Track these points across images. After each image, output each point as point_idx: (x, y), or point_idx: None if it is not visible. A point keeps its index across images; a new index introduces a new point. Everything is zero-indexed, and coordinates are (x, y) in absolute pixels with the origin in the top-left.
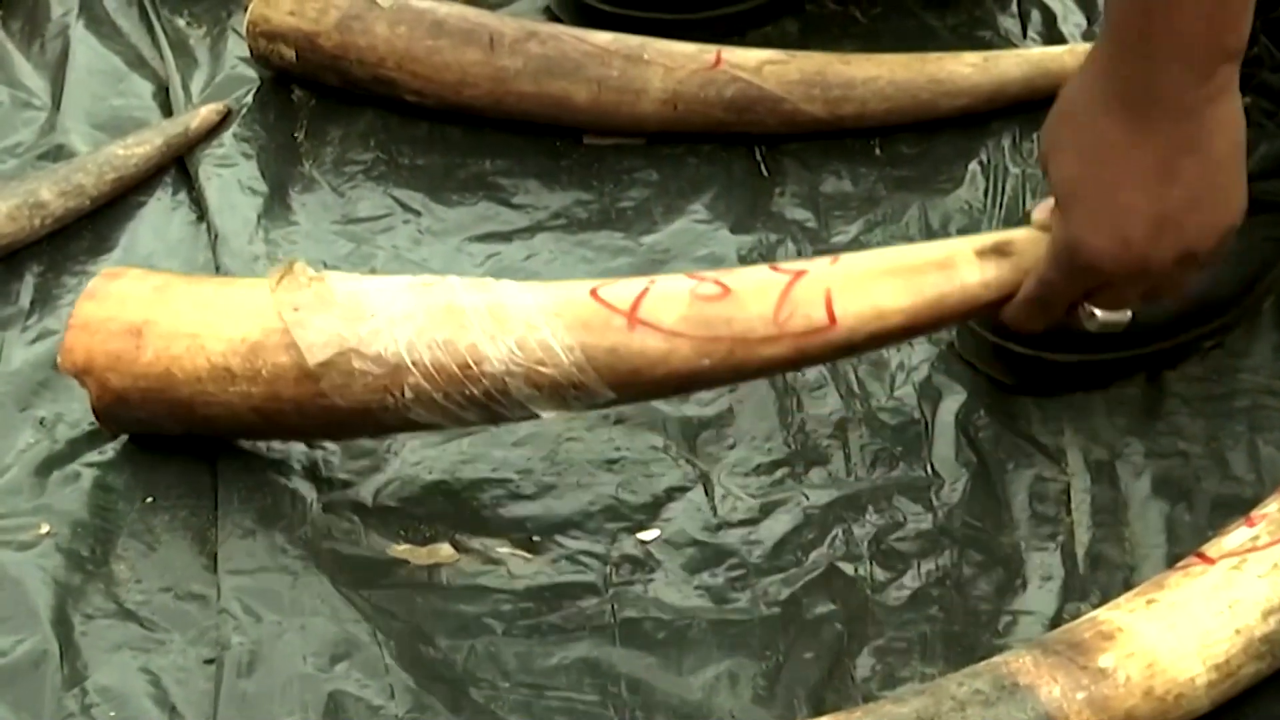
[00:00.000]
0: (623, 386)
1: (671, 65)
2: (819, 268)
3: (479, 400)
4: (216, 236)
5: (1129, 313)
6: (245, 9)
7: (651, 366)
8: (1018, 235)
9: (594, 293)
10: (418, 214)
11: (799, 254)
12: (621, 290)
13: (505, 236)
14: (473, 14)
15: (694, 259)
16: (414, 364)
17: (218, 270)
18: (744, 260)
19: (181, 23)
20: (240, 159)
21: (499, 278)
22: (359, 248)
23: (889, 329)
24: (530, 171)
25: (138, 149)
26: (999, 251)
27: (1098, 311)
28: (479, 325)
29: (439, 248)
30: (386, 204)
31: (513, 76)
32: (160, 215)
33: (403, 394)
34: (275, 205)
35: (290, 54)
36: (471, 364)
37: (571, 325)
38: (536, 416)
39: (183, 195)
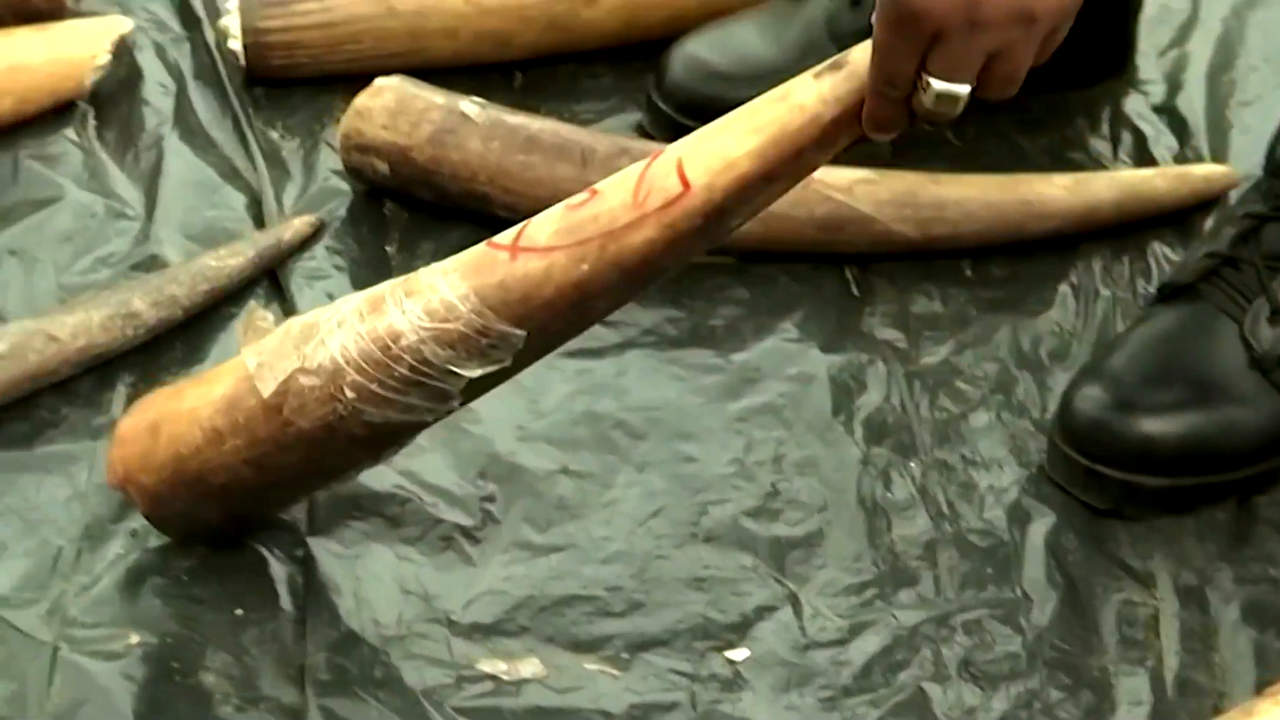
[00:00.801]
0: (522, 319)
1: None
2: (676, 143)
3: (409, 379)
4: None
5: (966, 87)
6: (339, 122)
7: (538, 288)
8: (854, 48)
9: (489, 241)
10: None
11: (889, 375)
12: (512, 229)
13: (596, 353)
14: (565, 130)
15: (784, 378)
16: (346, 362)
17: None
18: (835, 382)
19: (275, 135)
20: (332, 271)
21: (590, 395)
22: None
23: (744, 176)
24: None
25: (230, 260)
26: (834, 66)
27: (934, 81)
28: (393, 305)
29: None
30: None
31: None
32: None
33: (345, 395)
34: None
35: (383, 168)
36: (390, 343)
37: (465, 274)
38: (469, 383)
39: (275, 307)
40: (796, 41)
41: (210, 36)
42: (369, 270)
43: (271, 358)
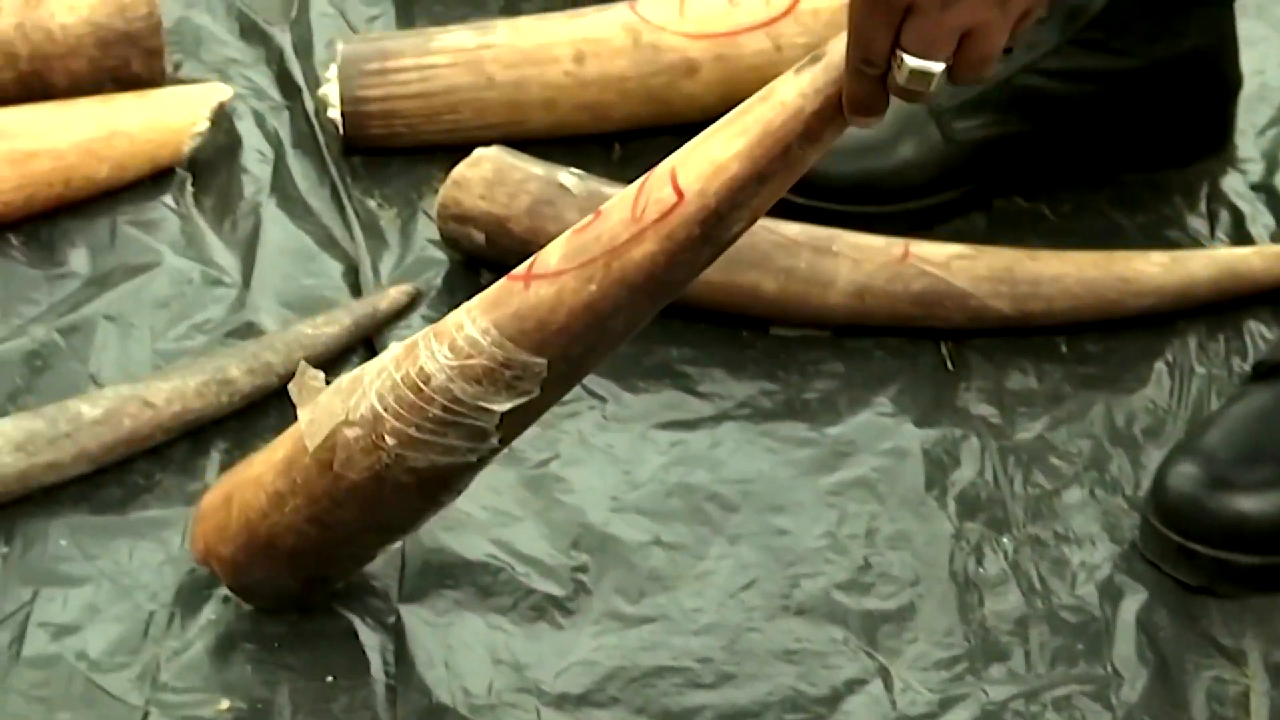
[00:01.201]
0: (540, 346)
1: (860, 258)
2: (672, 154)
3: (444, 419)
4: None
5: (940, 64)
6: (436, 192)
7: (551, 313)
8: (831, 40)
9: (508, 274)
10: (603, 400)
11: (983, 450)
12: (528, 260)
13: (690, 425)
14: None
15: (878, 452)
16: (385, 410)
17: None
18: (929, 456)
19: (373, 204)
20: None
21: (684, 466)
22: (544, 432)
23: (734, 179)
24: (716, 360)
25: (326, 329)
26: (813, 59)
27: (908, 57)
28: (423, 348)
29: (624, 434)
30: (573, 389)
31: None
32: None
33: (386, 442)
34: None
35: (480, 238)
36: (421, 385)
37: (485, 309)
38: (502, 418)
39: None
40: (894, 116)
41: (309, 105)
42: None
43: (320, 414)
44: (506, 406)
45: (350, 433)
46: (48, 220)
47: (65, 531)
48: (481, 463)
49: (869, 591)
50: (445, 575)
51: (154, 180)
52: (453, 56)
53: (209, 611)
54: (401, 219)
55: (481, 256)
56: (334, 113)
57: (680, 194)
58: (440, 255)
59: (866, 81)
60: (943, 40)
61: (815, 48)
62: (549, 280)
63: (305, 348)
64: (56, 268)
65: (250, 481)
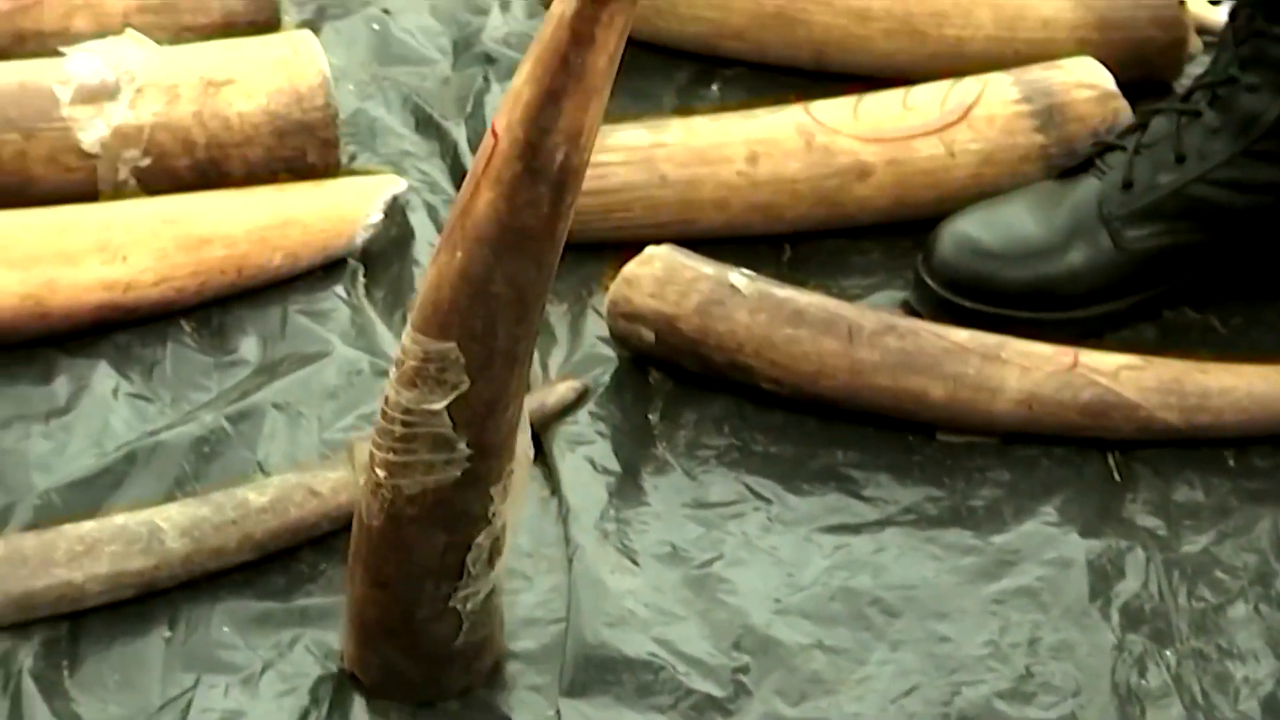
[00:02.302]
0: (442, 330)
1: (1028, 365)
2: None
3: (406, 435)
4: (568, 512)
5: None
6: (606, 288)
7: (437, 292)
8: None
9: None
10: (769, 501)
11: (1148, 561)
12: None
13: (854, 529)
14: (832, 304)
15: (1042, 561)
16: (373, 445)
17: (567, 545)
18: (1093, 567)
19: None
20: (595, 437)
21: (847, 570)
22: (709, 532)
23: (529, 104)
24: (882, 465)
25: None
26: None
27: None
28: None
29: (788, 536)
30: (738, 490)
31: (870, 369)
32: None
33: (380, 476)
34: (627, 485)
35: (649, 336)
36: (384, 408)
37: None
38: (452, 418)
39: (537, 471)
40: (1066, 222)
41: None
42: (631, 438)
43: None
44: (444, 403)
45: (362, 479)
46: (220, 307)
47: (228, 618)
48: (473, 480)
49: (1030, 701)
50: (606, 671)
51: (326, 270)
52: (626, 154)
53: (369, 705)
54: (571, 315)
55: (650, 354)
56: None
57: (495, 136)
58: (609, 352)
59: None
60: None
61: (989, 155)
62: (433, 263)
63: None
64: (227, 354)
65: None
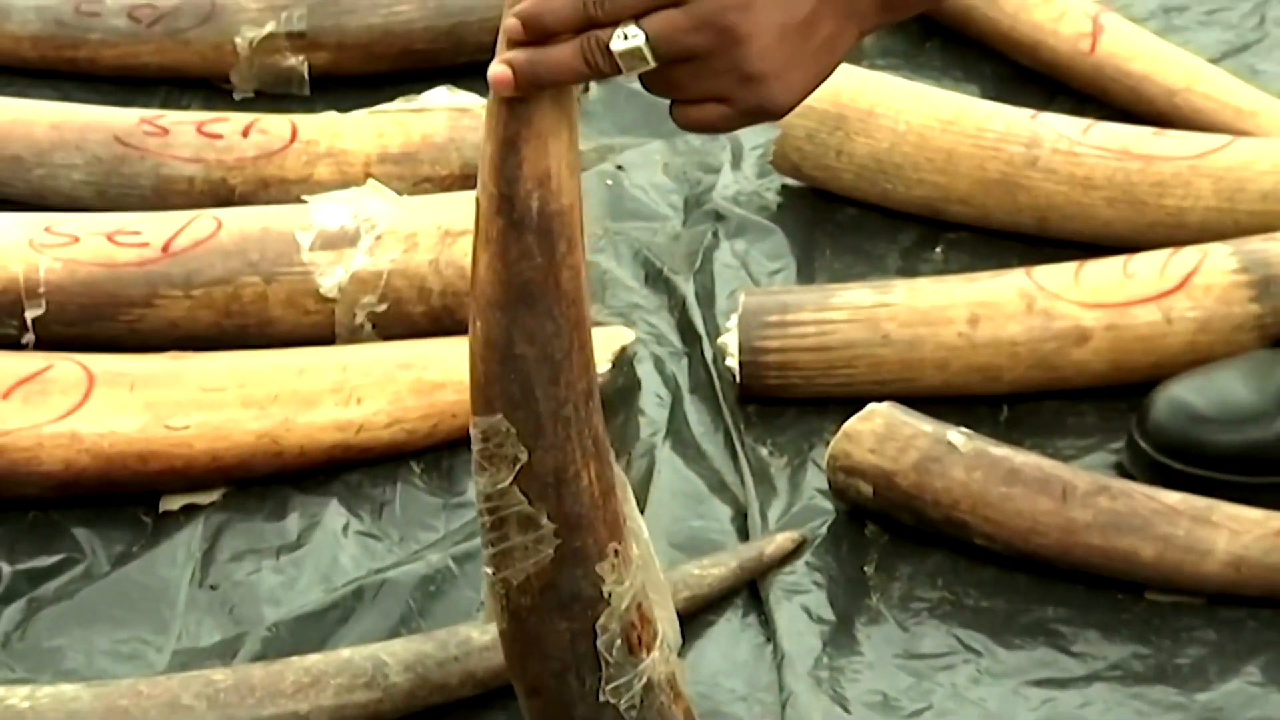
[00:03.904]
0: (487, 404)
1: (1238, 529)
2: None
3: (492, 522)
4: (783, 658)
5: (644, 38)
6: (827, 443)
7: (473, 369)
8: None
9: None
10: (979, 654)
11: None
12: None
13: (1062, 684)
14: (1047, 464)
15: (1245, 719)
16: (482, 547)
17: (781, 691)
18: None
19: (764, 452)
20: (811, 587)
21: None
22: (919, 683)
23: (492, 158)
24: (1091, 622)
25: (712, 570)
26: None
27: (630, 30)
28: None
29: (996, 689)
30: (949, 643)
31: (1082, 528)
32: (729, 635)
33: (490, 574)
34: (841, 634)
35: (868, 490)
36: (478, 505)
37: None
38: (525, 494)
39: (751, 618)
40: (1278, 390)
41: (708, 353)
42: (846, 589)
43: None
44: (509, 478)
45: (485, 591)
46: (449, 450)
47: None
48: (571, 558)
49: None
50: None
51: None
52: (851, 313)
53: None
54: (791, 467)
55: (867, 508)
56: (732, 361)
57: (478, 201)
58: (827, 505)
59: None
60: (679, 41)
61: (1205, 323)
62: (466, 341)
63: (690, 587)
64: (454, 496)
65: None
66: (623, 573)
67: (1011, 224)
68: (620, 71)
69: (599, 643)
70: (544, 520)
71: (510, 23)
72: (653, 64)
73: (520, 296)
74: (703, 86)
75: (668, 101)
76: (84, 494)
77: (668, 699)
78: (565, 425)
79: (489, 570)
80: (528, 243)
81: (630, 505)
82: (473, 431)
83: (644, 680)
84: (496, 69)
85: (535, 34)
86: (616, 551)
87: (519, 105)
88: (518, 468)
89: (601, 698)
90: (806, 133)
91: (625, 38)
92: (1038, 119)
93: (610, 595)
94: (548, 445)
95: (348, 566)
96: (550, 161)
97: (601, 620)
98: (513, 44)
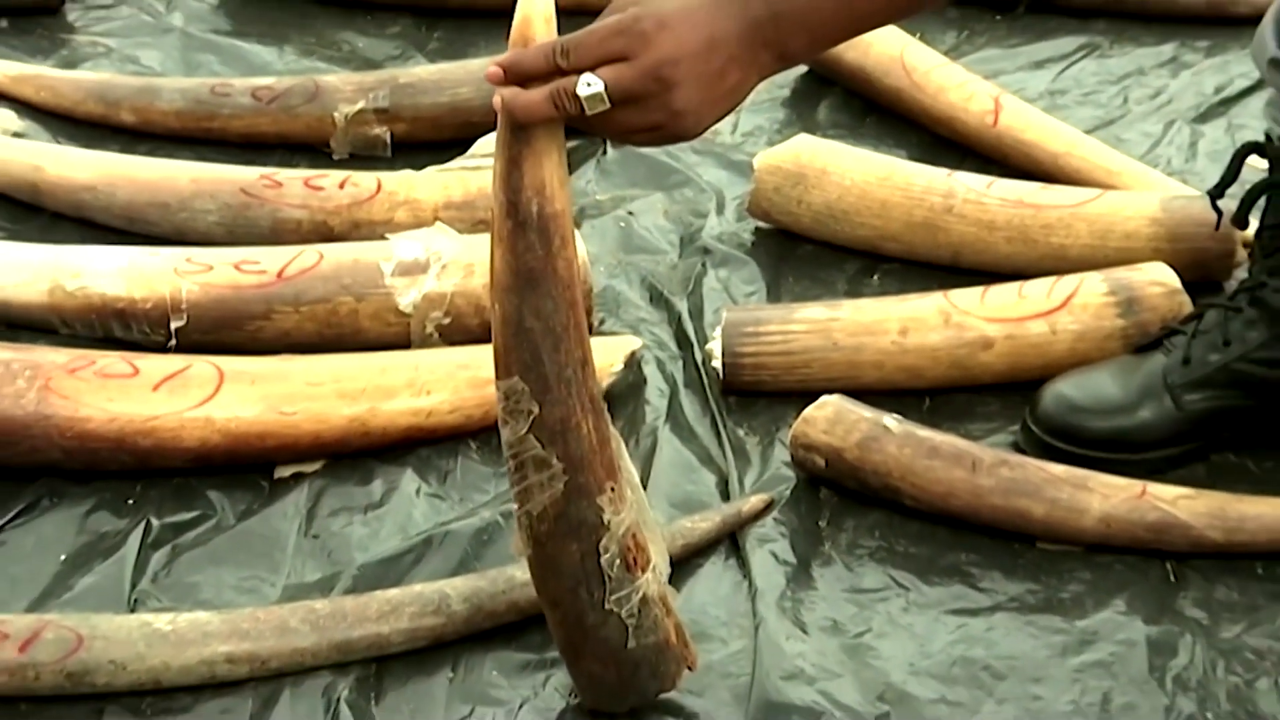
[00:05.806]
0: (506, 369)
1: (1108, 494)
2: None
3: (515, 465)
4: (755, 592)
5: (603, 86)
6: (790, 426)
7: (494, 340)
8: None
9: None
10: (907, 590)
11: (1195, 644)
12: None
13: (972, 612)
14: (961, 443)
15: (1114, 641)
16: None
17: (754, 617)
18: (1152, 645)
19: (741, 432)
20: (778, 537)
21: (966, 643)
22: (861, 611)
23: (500, 174)
24: (995, 565)
25: (701, 524)
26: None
27: (591, 78)
28: None
29: (921, 617)
30: (885, 580)
31: (988, 492)
32: (714, 574)
33: (515, 508)
34: (800, 574)
35: (821, 463)
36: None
37: None
38: (538, 439)
39: (731, 561)
40: (1139, 386)
41: (698, 356)
42: (805, 538)
43: None
44: (526, 428)
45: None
46: (497, 431)
47: (496, 664)
48: (577, 491)
49: None
50: (779, 714)
51: None
52: (809, 325)
53: None
54: (763, 445)
55: (821, 476)
56: (717, 363)
57: (492, 208)
58: (790, 474)
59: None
60: (629, 86)
61: (1082, 334)
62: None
63: (685, 537)
64: (502, 466)
65: None
66: (619, 506)
67: (933, 258)
68: (583, 112)
69: (602, 561)
70: (554, 460)
71: (492, 70)
72: (609, 106)
73: (527, 281)
74: (642, 119)
75: (665, 160)
76: (215, 464)
77: (660, 613)
78: (567, 385)
79: (516, 507)
80: (530, 239)
81: (625, 460)
82: (497, 393)
83: (640, 594)
84: (494, 100)
85: (514, 79)
86: (613, 489)
87: (520, 130)
88: (531, 419)
89: (607, 606)
90: (774, 186)
91: (589, 85)
92: (953, 176)
93: (609, 523)
94: (554, 400)
95: (419, 521)
96: (545, 174)
97: (603, 542)
98: (500, 84)
